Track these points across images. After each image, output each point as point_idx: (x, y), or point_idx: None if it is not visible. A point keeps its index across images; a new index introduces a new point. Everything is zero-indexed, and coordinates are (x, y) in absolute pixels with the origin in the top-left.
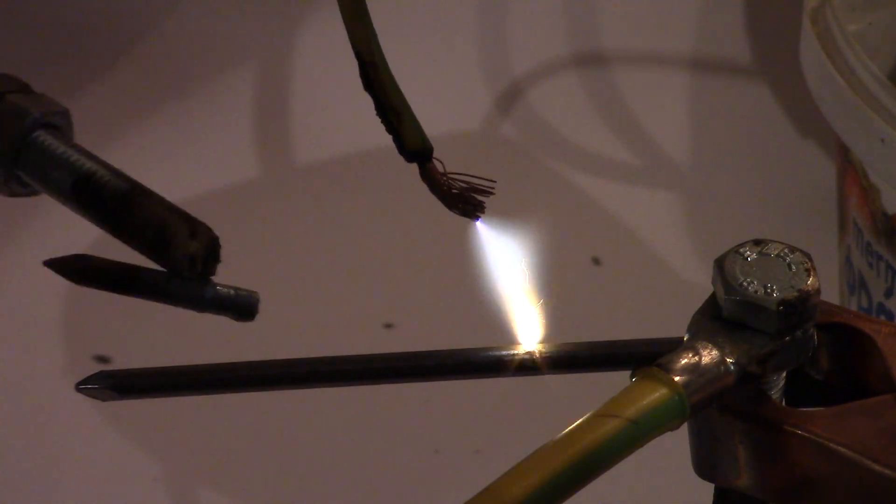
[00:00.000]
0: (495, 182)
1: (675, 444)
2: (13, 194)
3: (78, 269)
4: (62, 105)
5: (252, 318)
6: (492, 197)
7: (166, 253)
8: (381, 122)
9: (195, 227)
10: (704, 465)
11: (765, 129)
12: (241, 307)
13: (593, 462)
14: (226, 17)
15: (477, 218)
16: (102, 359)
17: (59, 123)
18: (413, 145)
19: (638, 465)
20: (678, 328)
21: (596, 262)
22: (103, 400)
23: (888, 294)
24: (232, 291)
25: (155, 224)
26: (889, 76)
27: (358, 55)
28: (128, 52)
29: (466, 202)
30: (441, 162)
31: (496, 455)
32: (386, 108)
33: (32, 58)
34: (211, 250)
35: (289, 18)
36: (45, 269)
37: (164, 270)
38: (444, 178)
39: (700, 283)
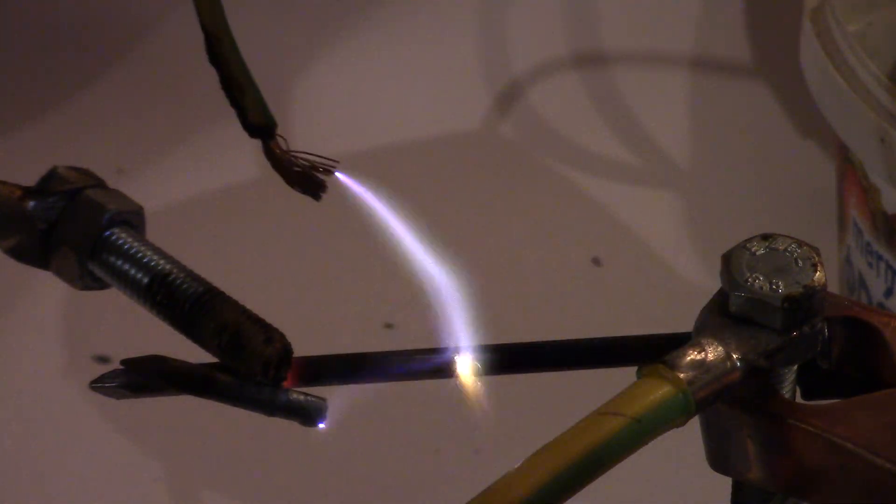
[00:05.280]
0: (338, 161)
1: (689, 441)
2: (86, 288)
3: (154, 371)
4: (137, 203)
5: (319, 425)
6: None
7: (241, 358)
8: (226, 96)
9: (270, 334)
10: (717, 458)
11: (765, 129)
12: (311, 413)
13: (596, 461)
14: (228, 17)
15: (319, 197)
16: (102, 359)
17: (134, 221)
18: (256, 120)
19: (649, 461)
20: (678, 328)
21: (596, 262)
22: (117, 398)
23: (888, 294)
24: (302, 398)
25: (230, 329)
26: (889, 76)
27: (203, 28)
28: (128, 51)
29: (308, 180)
30: (284, 139)
31: (496, 455)
32: (230, 81)
33: (32, 58)
34: (284, 357)
35: (290, 19)
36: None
37: (237, 374)
38: (287, 156)
39: (700, 283)
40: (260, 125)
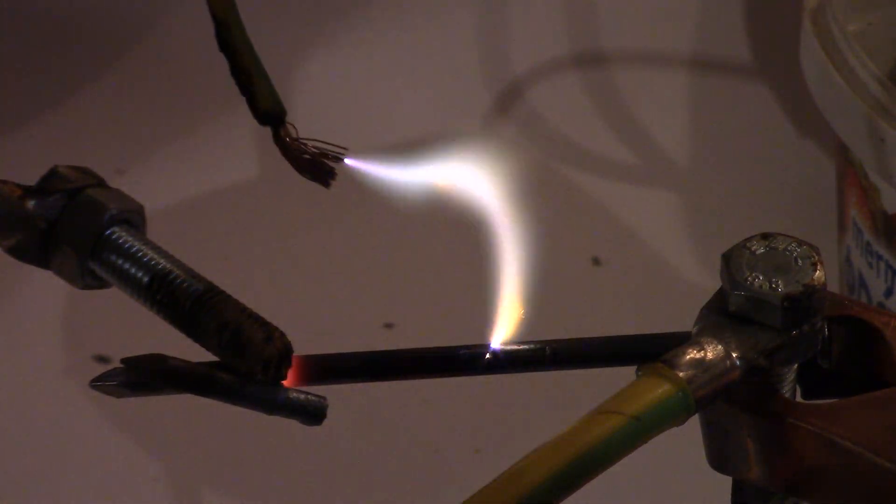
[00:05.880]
0: (347, 149)
1: (689, 441)
2: (87, 287)
3: (154, 370)
4: (138, 202)
5: (320, 423)
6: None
7: (241, 357)
8: (235, 83)
9: (270, 332)
10: (717, 457)
11: (765, 129)
12: (311, 412)
13: (595, 459)
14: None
15: (328, 184)
16: (102, 359)
17: (135, 220)
18: (266, 107)
19: (649, 461)
20: (678, 328)
21: (596, 262)
22: (117, 397)
23: (888, 294)
24: (302, 396)
25: (231, 328)
26: (889, 76)
27: (213, 16)
28: (128, 51)
29: (318, 167)
30: (294, 126)
31: (496, 455)
32: (239, 69)
33: (32, 57)
34: (284, 355)
35: (287, 19)
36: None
37: (238, 372)
38: (296, 143)
39: (700, 283)
40: (270, 112)
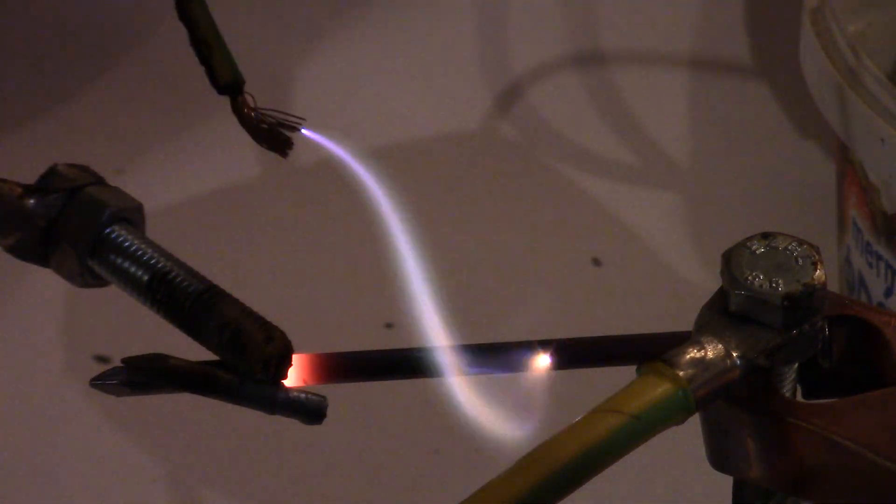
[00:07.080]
0: (304, 119)
1: (689, 440)
2: (86, 285)
3: (154, 370)
4: (137, 200)
5: (320, 422)
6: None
7: (241, 356)
8: (195, 53)
9: (270, 332)
10: (717, 457)
11: (765, 129)
12: (311, 411)
13: (595, 458)
14: (227, 18)
15: (286, 154)
16: (102, 359)
17: (134, 219)
18: (224, 77)
19: (650, 460)
20: (678, 328)
21: (596, 262)
22: (117, 396)
23: (888, 294)
24: (302, 396)
25: (231, 327)
26: (889, 76)
27: None
28: (127, 52)
29: (275, 137)
30: (252, 96)
31: (496, 455)
32: (199, 39)
33: (32, 58)
34: (284, 355)
35: (286, 18)
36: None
37: (238, 372)
38: (254, 113)
39: (700, 283)
40: (228, 82)
